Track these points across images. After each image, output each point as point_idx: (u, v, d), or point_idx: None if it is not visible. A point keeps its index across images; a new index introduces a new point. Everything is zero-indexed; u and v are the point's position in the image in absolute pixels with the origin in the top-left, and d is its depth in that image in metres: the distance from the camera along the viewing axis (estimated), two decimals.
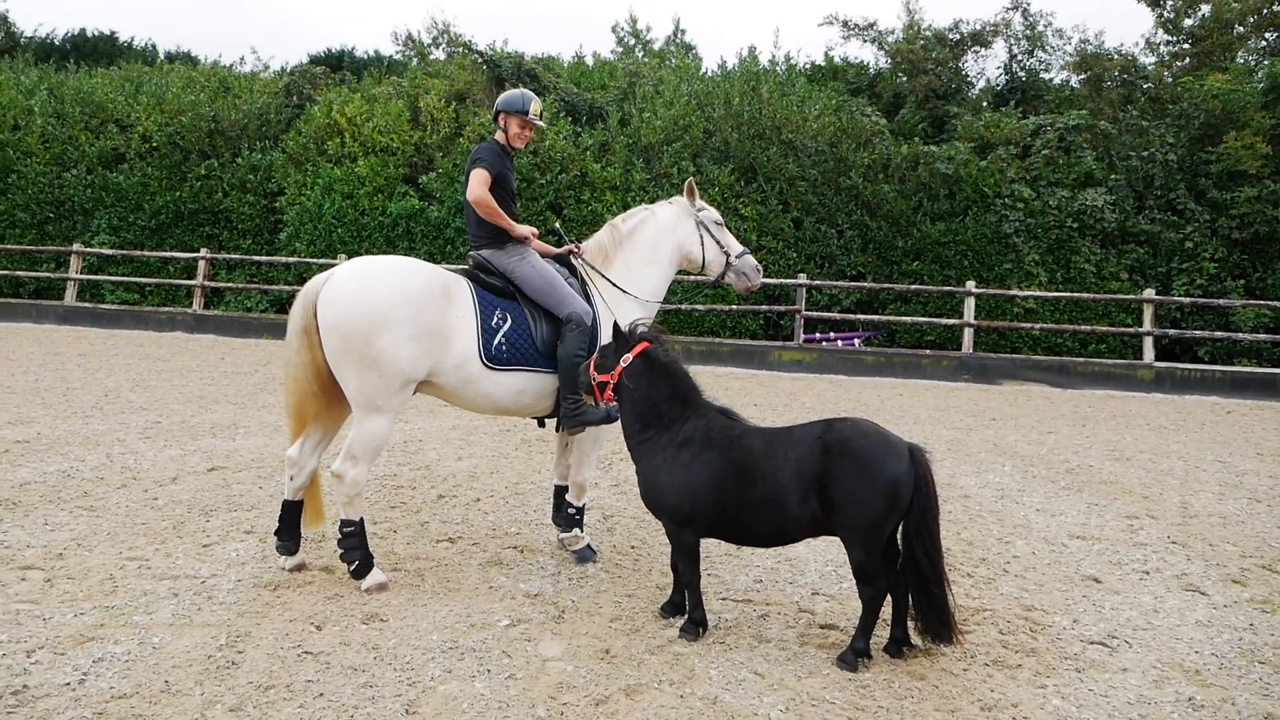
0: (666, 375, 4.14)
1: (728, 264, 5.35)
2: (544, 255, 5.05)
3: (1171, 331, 16.29)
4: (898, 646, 3.85)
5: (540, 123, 5.16)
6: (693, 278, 5.49)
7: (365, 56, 30.17)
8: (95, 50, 31.30)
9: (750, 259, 5.40)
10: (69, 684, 3.19)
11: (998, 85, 23.38)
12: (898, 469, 3.63)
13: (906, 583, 3.78)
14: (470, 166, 4.90)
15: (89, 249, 19.86)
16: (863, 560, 3.66)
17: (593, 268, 5.11)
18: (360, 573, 4.34)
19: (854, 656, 3.68)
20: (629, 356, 4.16)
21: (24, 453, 6.71)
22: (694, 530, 3.96)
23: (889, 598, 3.81)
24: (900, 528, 3.75)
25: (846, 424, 3.79)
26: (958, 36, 22.71)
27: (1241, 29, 21.84)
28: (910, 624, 3.84)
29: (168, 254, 19.71)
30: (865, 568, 3.67)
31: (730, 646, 3.85)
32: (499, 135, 5.08)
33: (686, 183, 5.40)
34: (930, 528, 3.70)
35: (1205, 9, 22.02)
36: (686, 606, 4.02)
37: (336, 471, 4.31)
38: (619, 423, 4.70)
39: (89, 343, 15.37)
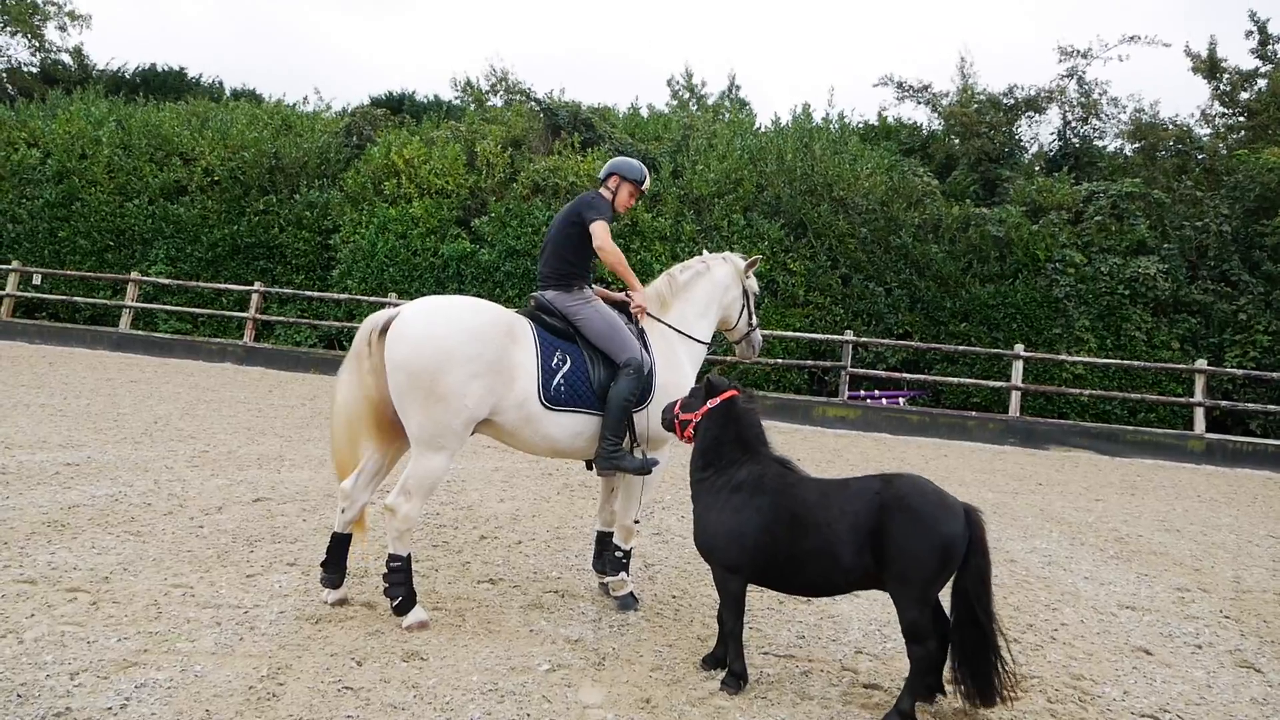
0: (738, 420, 4.21)
1: (747, 334, 5.67)
2: (607, 300, 5.11)
3: (1224, 403, 15.95)
4: (930, 692, 3.82)
5: (646, 191, 5.45)
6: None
7: (425, 100, 30.85)
8: (164, 85, 32.34)
9: (759, 334, 5.78)
10: (111, 709, 3.21)
11: (1051, 151, 23.32)
12: (953, 529, 3.62)
13: (949, 638, 3.75)
14: (585, 214, 4.99)
15: (146, 278, 20.34)
16: (914, 619, 3.62)
17: (654, 316, 5.17)
18: (403, 609, 4.34)
19: (898, 717, 3.61)
20: (715, 400, 4.25)
21: (74, 475, 6.84)
22: (741, 577, 3.94)
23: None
24: (952, 588, 3.72)
25: (904, 480, 3.78)
26: (1012, 101, 22.73)
27: None
28: (951, 685, 3.78)
29: (222, 286, 20.12)
30: (916, 626, 3.63)
31: (772, 702, 3.79)
32: (606, 194, 5.21)
33: (753, 259, 5.66)
34: (984, 589, 3.68)
35: (1262, 83, 21.86)
36: (727, 658, 3.98)
37: (390, 505, 4.34)
38: (660, 470, 4.78)
39: (140, 370, 15.69)
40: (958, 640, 3.72)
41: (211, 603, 4.42)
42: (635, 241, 18.79)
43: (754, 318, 5.68)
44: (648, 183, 5.37)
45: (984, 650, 3.67)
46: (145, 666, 3.60)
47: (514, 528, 6.64)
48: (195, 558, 5.14)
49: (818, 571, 3.80)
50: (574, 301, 4.89)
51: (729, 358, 17.44)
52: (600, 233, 4.92)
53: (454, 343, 4.29)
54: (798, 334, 17.47)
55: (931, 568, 3.60)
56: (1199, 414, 15.60)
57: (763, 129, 23.68)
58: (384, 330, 4.47)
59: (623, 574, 5.01)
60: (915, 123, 25.06)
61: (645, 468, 4.73)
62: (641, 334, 5.04)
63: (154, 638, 3.90)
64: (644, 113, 26.49)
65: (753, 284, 5.67)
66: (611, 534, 5.12)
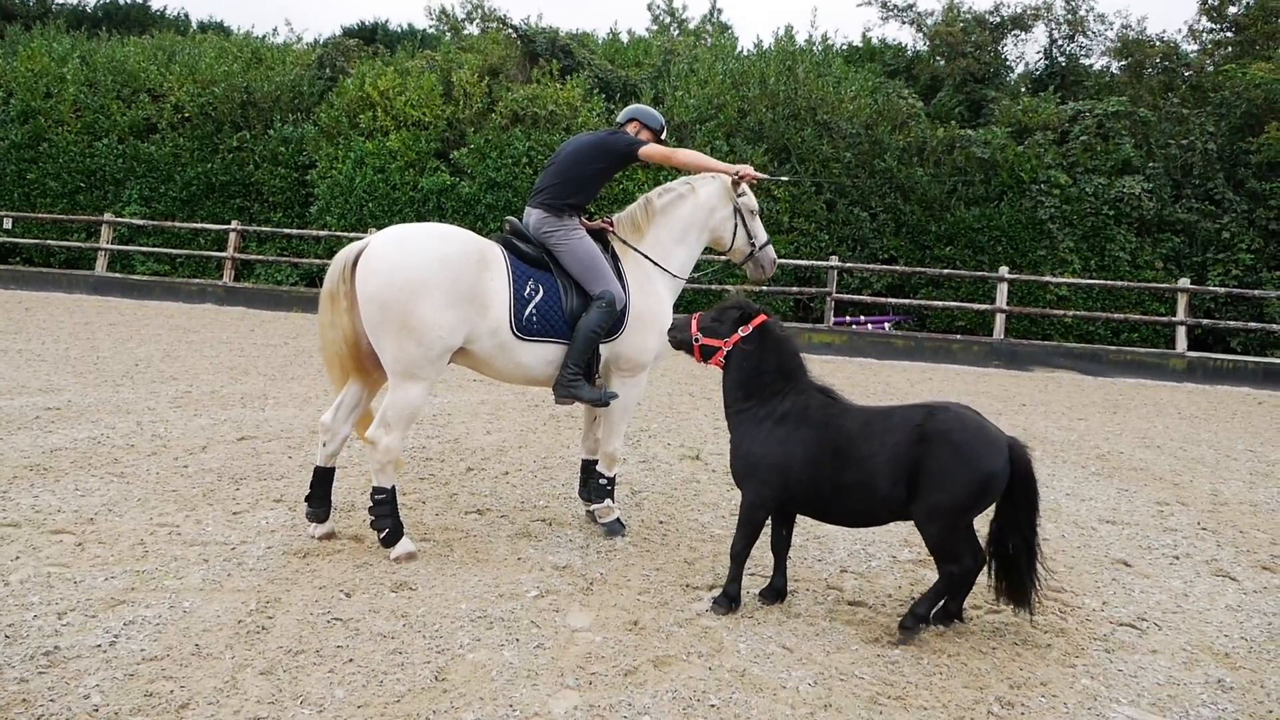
0: (779, 350, 4.11)
1: (751, 253, 5.37)
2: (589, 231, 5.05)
3: (1205, 321, 16.02)
4: (948, 617, 3.90)
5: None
6: (720, 257, 5.43)
7: (399, 30, 30.16)
8: (128, 19, 31.46)
9: (770, 251, 5.41)
10: (100, 646, 3.22)
11: (1037, 70, 23.05)
12: (994, 465, 3.62)
13: (984, 557, 3.87)
14: (628, 147, 4.98)
15: (120, 219, 19.98)
16: (943, 543, 3.68)
17: (626, 242, 5.08)
18: (390, 541, 4.36)
19: (914, 622, 3.71)
20: (748, 327, 4.13)
21: (55, 420, 6.79)
22: (769, 511, 3.97)
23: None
24: (998, 512, 3.80)
25: (949, 413, 3.74)
26: (998, 20, 22.39)
27: None
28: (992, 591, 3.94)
29: (199, 225, 19.79)
30: (946, 546, 3.69)
31: (759, 621, 3.84)
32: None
33: (740, 169, 5.30)
34: (1030, 518, 3.75)
35: None
36: (726, 580, 4.01)
37: (370, 438, 4.32)
38: (635, 398, 4.77)
39: (119, 313, 15.53)
40: (1001, 558, 3.82)
41: (198, 540, 4.43)
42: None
43: (754, 235, 5.33)
44: (665, 133, 5.29)
45: (1027, 570, 3.76)
46: (133, 604, 3.61)
47: (501, 459, 6.66)
48: (181, 497, 5.13)
49: (859, 502, 3.81)
50: (558, 229, 4.81)
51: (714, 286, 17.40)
52: (656, 150, 4.96)
53: (426, 272, 4.21)
54: (782, 260, 17.38)
55: (965, 503, 3.62)
56: (1181, 333, 15.68)
57: (745, 53, 23.26)
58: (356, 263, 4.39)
59: (607, 501, 5.03)
60: (900, 44, 24.70)
61: (602, 400, 4.71)
62: (616, 263, 4.96)
63: (141, 576, 3.91)
64: (624, 38, 25.99)
65: (748, 201, 5.32)
66: (596, 462, 5.12)
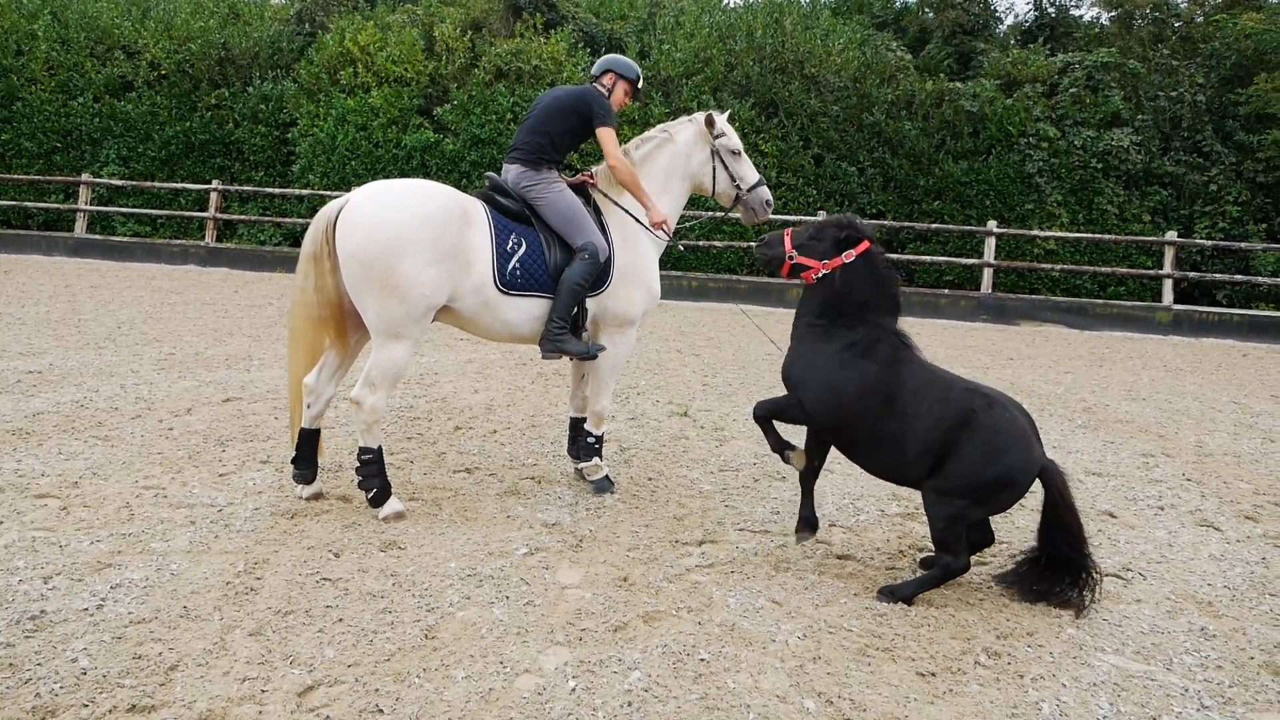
0: (877, 281, 3.97)
1: (738, 196, 5.19)
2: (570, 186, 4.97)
3: (1191, 274, 16.08)
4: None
5: (642, 92, 5.20)
6: (717, 212, 5.27)
7: None
8: None
9: (762, 192, 5.20)
10: (87, 609, 3.20)
11: (1026, 21, 22.87)
12: (1016, 477, 3.58)
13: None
14: (595, 112, 4.82)
15: (98, 180, 19.68)
16: (946, 532, 3.63)
17: (607, 196, 5.00)
18: (378, 500, 4.34)
19: (893, 598, 3.67)
20: (853, 253, 3.98)
21: (37, 383, 6.72)
22: (801, 418, 3.96)
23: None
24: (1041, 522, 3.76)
25: (1005, 413, 3.65)
26: None
27: None
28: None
29: (179, 185, 19.53)
30: (947, 538, 3.64)
31: (748, 576, 3.86)
32: (602, 91, 5.01)
33: (705, 114, 5.16)
34: (1071, 542, 3.66)
35: None
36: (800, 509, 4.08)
37: (355, 398, 4.29)
38: (624, 354, 4.74)
39: (100, 275, 15.37)
40: (1047, 565, 3.75)
41: (185, 502, 4.40)
42: None
43: (739, 178, 5.14)
44: (641, 82, 5.15)
45: (1071, 584, 3.70)
46: (120, 567, 3.59)
47: (489, 417, 6.64)
48: (166, 459, 5.09)
49: (890, 455, 3.78)
50: (537, 182, 4.74)
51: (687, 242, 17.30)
52: (611, 141, 4.76)
53: (408, 229, 4.14)
54: (771, 216, 17.32)
55: (972, 497, 3.58)
56: (1167, 286, 15.74)
57: (731, 5, 22.95)
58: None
59: (596, 459, 5.02)
60: None
61: (590, 353, 4.66)
62: (599, 217, 4.90)
63: (127, 539, 3.88)
64: None
65: (727, 141, 5.12)
66: (584, 420, 5.11)
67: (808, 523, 4.11)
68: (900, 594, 3.67)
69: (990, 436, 3.56)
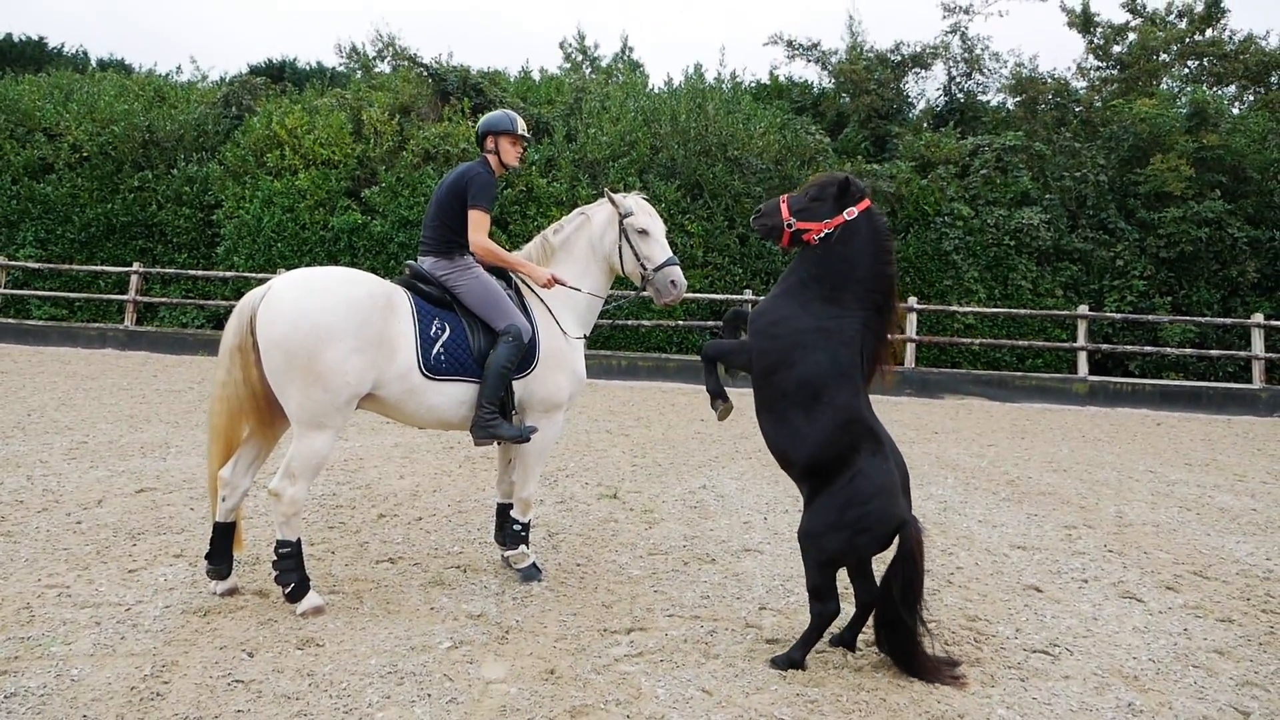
0: (878, 248, 3.87)
1: (644, 276, 5.06)
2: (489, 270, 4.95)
3: (1104, 346, 16.70)
4: (848, 646, 4.00)
5: (528, 135, 5.12)
6: (645, 291, 5.20)
7: (308, 68, 29.71)
8: (22, 56, 30.36)
9: (670, 272, 4.96)
10: None
11: (938, 106, 23.84)
12: (872, 526, 3.65)
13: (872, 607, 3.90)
14: (470, 192, 4.76)
15: (14, 262, 19.16)
16: (812, 577, 3.76)
17: (527, 284, 5.00)
18: (296, 595, 4.19)
19: (787, 663, 3.74)
20: (854, 210, 3.87)
21: None
22: (746, 366, 4.08)
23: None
24: (883, 579, 3.78)
25: (884, 461, 3.71)
26: (899, 58, 23.13)
27: (1165, 56, 22.57)
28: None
29: (98, 268, 19.11)
30: (817, 584, 3.75)
31: (677, 664, 3.79)
32: (490, 159, 4.98)
33: (607, 194, 5.11)
34: (911, 594, 3.69)
35: (1132, 37, 22.70)
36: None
37: (274, 490, 4.16)
38: (553, 437, 4.81)
39: (13, 360, 14.82)
40: (883, 622, 3.79)
41: (90, 602, 4.19)
42: (531, 208, 18.53)
43: (644, 258, 4.98)
44: (520, 124, 5.03)
45: (906, 637, 3.72)
46: (16, 674, 3.39)
47: (414, 504, 6.50)
48: (72, 555, 4.87)
49: (788, 430, 3.85)
50: (453, 270, 4.74)
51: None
52: (476, 225, 4.73)
53: (332, 317, 4.09)
54: (698, 295, 17.53)
55: (833, 532, 3.67)
56: (1082, 358, 16.31)
57: (656, 90, 23.53)
58: None
59: (522, 547, 4.93)
60: (806, 81, 25.28)
61: (523, 436, 4.62)
62: (522, 300, 4.90)
63: (25, 644, 3.68)
64: (535, 76, 26.02)
65: (636, 219, 5.00)
66: (511, 506, 5.02)
67: (719, 394, 4.30)
68: (792, 659, 3.73)
69: (861, 479, 3.65)
